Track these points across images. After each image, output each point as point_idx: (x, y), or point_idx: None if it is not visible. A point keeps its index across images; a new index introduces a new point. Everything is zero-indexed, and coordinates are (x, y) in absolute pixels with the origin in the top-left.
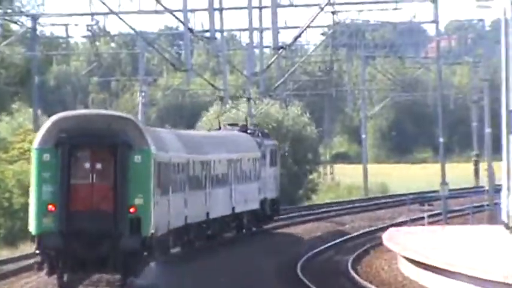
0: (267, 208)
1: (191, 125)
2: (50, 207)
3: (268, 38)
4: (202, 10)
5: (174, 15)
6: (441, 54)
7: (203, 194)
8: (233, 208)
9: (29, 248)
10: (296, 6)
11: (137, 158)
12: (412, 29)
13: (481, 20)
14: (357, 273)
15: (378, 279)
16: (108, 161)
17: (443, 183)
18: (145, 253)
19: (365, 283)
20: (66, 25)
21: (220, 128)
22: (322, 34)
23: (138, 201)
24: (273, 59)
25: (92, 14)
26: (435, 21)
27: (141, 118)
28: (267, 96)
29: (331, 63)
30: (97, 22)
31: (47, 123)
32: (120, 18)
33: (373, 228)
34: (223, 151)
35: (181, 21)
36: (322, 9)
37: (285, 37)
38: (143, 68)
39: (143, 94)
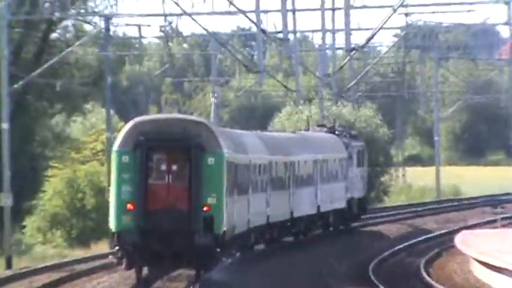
0: (354, 207)
1: (263, 126)
2: (129, 206)
3: (340, 40)
4: (275, 11)
5: (246, 16)
6: None
7: (286, 194)
8: (318, 207)
9: (101, 248)
10: (369, 7)
11: (210, 160)
12: (486, 30)
13: None
14: (429, 275)
15: (450, 282)
16: (183, 162)
17: None
18: (218, 249)
19: (437, 285)
20: (139, 25)
21: (308, 129)
22: (395, 36)
23: (211, 200)
24: (345, 61)
25: (165, 15)
26: (508, 23)
27: (214, 119)
28: (339, 97)
29: (404, 64)
30: (170, 23)
31: (126, 126)
32: (193, 19)
33: (445, 231)
34: (308, 152)
35: (253, 22)
36: (395, 10)
37: (358, 38)
38: (216, 69)
39: (215, 95)
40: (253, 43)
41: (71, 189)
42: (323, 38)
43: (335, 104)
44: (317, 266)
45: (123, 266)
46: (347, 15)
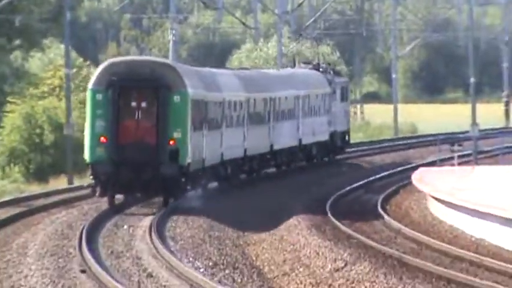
0: (337, 140)
1: (221, 64)
2: (102, 139)
3: None
4: None
5: None
6: None
7: (266, 128)
8: (300, 140)
9: (60, 183)
10: None
11: (176, 98)
12: None
13: None
14: (386, 212)
15: (407, 219)
16: (151, 101)
17: (474, 123)
18: (183, 179)
19: (394, 222)
20: None
21: (294, 66)
22: None
23: (176, 135)
24: None
25: None
26: None
27: (172, 56)
28: (298, 35)
29: (362, 2)
30: None
31: (100, 67)
32: None
33: (402, 168)
34: (289, 88)
35: None
36: None
37: None
38: (174, 6)
39: (174, 32)
40: None
41: (28, 125)
42: None
43: (294, 42)
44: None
45: (97, 193)
46: None
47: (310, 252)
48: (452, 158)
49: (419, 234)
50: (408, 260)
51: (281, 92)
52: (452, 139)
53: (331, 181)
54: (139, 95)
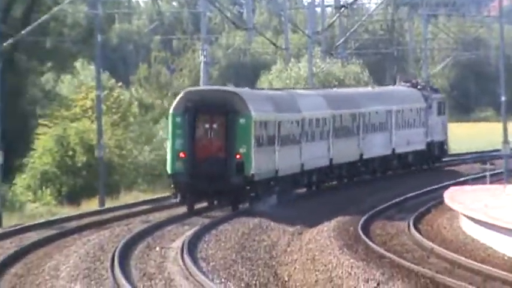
0: (434, 149)
1: (252, 84)
2: (181, 154)
3: None
4: None
5: None
6: (503, 12)
7: (355, 140)
8: (393, 149)
9: (92, 205)
10: None
11: (242, 121)
12: None
13: None
14: (418, 231)
15: (439, 238)
16: (221, 123)
17: (505, 141)
18: (248, 187)
19: (426, 241)
20: None
21: (395, 84)
22: None
23: (242, 150)
24: (334, 18)
25: None
26: None
27: (203, 77)
28: (328, 54)
29: (393, 22)
30: None
31: (179, 95)
32: None
33: (435, 187)
34: (381, 104)
35: None
36: None
37: None
38: (205, 27)
39: (205, 53)
40: (242, 0)
41: (60, 147)
42: None
43: (324, 61)
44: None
45: (178, 199)
46: None
47: (342, 273)
48: (484, 176)
49: (451, 253)
50: (441, 279)
51: (371, 107)
52: (484, 158)
53: (369, 198)
54: (211, 118)
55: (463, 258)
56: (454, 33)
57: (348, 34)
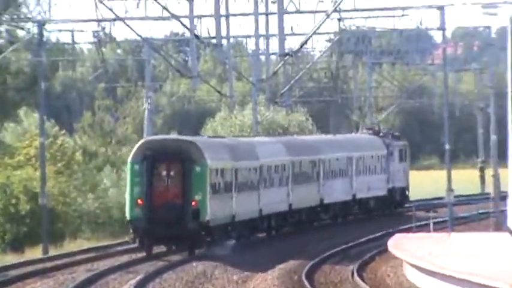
0: (396, 195)
1: (197, 131)
2: (139, 201)
3: (274, 45)
4: (208, 16)
5: (180, 22)
6: (447, 61)
7: (316, 185)
8: (354, 195)
9: (36, 253)
10: (302, 12)
11: (197, 169)
12: (419, 35)
13: (487, 27)
14: (362, 279)
15: (383, 286)
16: (178, 170)
17: (449, 189)
18: (203, 233)
19: None
20: (72, 31)
21: (357, 132)
22: (328, 41)
23: (197, 197)
24: (279, 66)
25: (98, 20)
26: (442, 28)
27: (147, 124)
28: (273, 102)
29: (337, 69)
30: (103, 28)
31: (138, 144)
32: (126, 25)
33: (378, 235)
34: (342, 151)
35: (187, 28)
36: (328, 15)
37: (292, 44)
38: (149, 74)
39: (149, 100)
40: (187, 48)
41: (4, 195)
42: (257, 43)
43: (269, 109)
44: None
45: (137, 244)
46: (280, 20)
47: None
48: (428, 224)
49: None
50: None
51: (331, 154)
52: (428, 205)
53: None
54: (168, 166)
55: None
56: (398, 81)
57: (292, 82)
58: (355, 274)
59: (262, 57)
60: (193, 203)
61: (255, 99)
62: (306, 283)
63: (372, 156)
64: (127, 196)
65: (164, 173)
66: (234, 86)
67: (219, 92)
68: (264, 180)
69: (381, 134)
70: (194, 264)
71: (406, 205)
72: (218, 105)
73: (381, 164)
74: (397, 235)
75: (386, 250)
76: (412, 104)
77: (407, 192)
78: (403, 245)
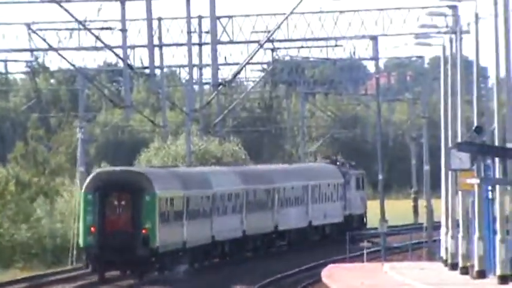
0: (352, 221)
1: (130, 161)
2: (92, 229)
3: (208, 74)
4: (141, 46)
5: (113, 52)
6: (380, 91)
7: (269, 213)
8: (310, 221)
9: None
10: (236, 42)
11: (147, 198)
12: (352, 65)
13: (420, 57)
14: None
15: None
16: (128, 200)
17: (383, 219)
18: (153, 259)
19: None
20: (5, 61)
21: (315, 161)
22: (262, 71)
23: (147, 225)
24: (212, 96)
25: (32, 50)
26: (375, 58)
27: (80, 154)
28: (206, 132)
29: (270, 99)
30: (36, 58)
31: (90, 176)
32: (60, 54)
33: (312, 265)
34: (296, 179)
35: (120, 58)
36: (261, 45)
37: (225, 74)
38: (82, 104)
39: (82, 130)
40: (120, 78)
41: None
42: (190, 73)
43: (202, 139)
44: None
45: (90, 269)
46: (214, 50)
47: None
48: (361, 254)
49: None
50: None
51: (286, 183)
52: (361, 236)
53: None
54: (119, 196)
55: None
56: (331, 111)
57: (225, 112)
58: None
59: (196, 87)
60: (143, 231)
61: (189, 129)
62: None
63: (329, 185)
64: (80, 224)
65: (116, 202)
66: (168, 115)
67: (152, 121)
68: (217, 208)
69: (338, 163)
70: None
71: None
72: (151, 135)
73: (338, 192)
74: (331, 265)
75: (319, 280)
76: (346, 134)
77: (364, 219)
78: (336, 275)
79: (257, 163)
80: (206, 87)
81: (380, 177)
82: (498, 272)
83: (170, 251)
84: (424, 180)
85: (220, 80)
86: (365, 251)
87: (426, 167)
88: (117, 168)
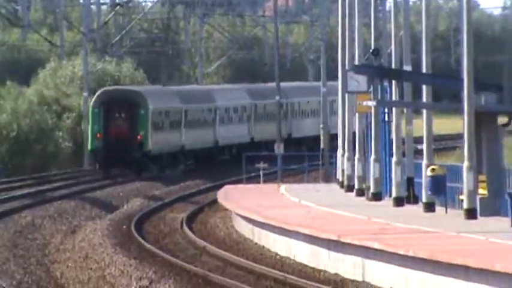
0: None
1: (27, 81)
2: (98, 135)
3: None
4: None
5: None
6: (278, 13)
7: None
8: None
9: None
10: None
11: (141, 111)
12: None
13: None
14: (191, 230)
15: (212, 237)
16: (127, 113)
17: (279, 141)
18: (146, 160)
19: (199, 240)
20: None
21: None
22: None
23: (142, 132)
24: (110, 16)
25: None
26: None
27: None
28: (103, 52)
29: (168, 20)
30: None
31: (97, 93)
32: None
33: (208, 186)
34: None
35: None
36: None
37: None
38: None
39: None
40: None
41: None
42: None
43: (100, 60)
44: None
45: (97, 167)
46: None
47: (115, 271)
48: (258, 175)
49: (224, 252)
50: (213, 278)
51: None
52: (257, 157)
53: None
54: (119, 109)
55: (236, 257)
56: (229, 32)
57: (123, 32)
58: (184, 225)
59: (93, 7)
60: (138, 137)
61: (86, 50)
62: (135, 233)
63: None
64: (89, 132)
65: (116, 114)
66: (65, 35)
67: (49, 41)
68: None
69: None
70: (23, 214)
71: None
72: (49, 56)
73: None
74: (227, 186)
75: (216, 201)
76: (243, 55)
77: None
78: (233, 196)
79: (154, 84)
80: (104, 7)
81: (277, 98)
82: (394, 194)
83: (166, 153)
84: (321, 102)
85: (117, 1)
86: (261, 172)
87: (324, 89)
88: (119, 87)
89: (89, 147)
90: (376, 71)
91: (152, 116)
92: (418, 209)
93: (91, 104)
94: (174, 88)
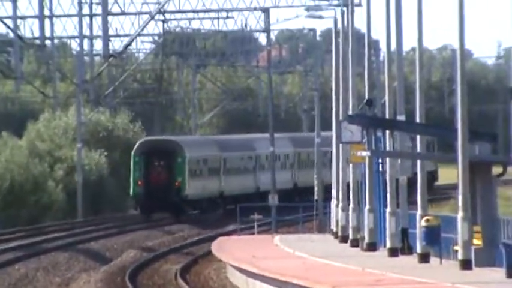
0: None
1: (20, 133)
2: (139, 182)
3: (99, 46)
4: (32, 17)
5: (3, 22)
6: (272, 63)
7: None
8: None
9: None
10: (127, 14)
11: (179, 159)
12: (244, 37)
13: (311, 29)
14: (186, 282)
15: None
16: (165, 161)
17: (273, 192)
18: (183, 205)
19: None
20: None
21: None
22: (153, 42)
23: (179, 179)
24: (103, 67)
25: None
26: (266, 30)
27: None
28: (97, 104)
29: (162, 71)
30: None
31: (138, 143)
32: None
33: (202, 237)
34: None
35: (10, 29)
36: (152, 17)
37: (116, 45)
38: None
39: None
40: (10, 49)
41: None
42: (80, 44)
43: (93, 111)
44: None
45: (139, 211)
46: (105, 21)
47: None
48: (252, 227)
49: None
50: None
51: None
52: (252, 208)
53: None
54: (159, 158)
55: None
56: (222, 83)
57: (116, 83)
58: (178, 276)
59: (87, 58)
60: (176, 184)
61: (79, 100)
62: (130, 286)
63: None
64: (131, 179)
65: (156, 163)
66: (58, 87)
67: (42, 93)
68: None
69: None
70: (17, 266)
71: None
72: (42, 107)
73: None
74: (221, 238)
75: (210, 253)
76: (237, 106)
77: None
78: (227, 247)
79: (149, 135)
80: (97, 58)
81: (271, 149)
82: (388, 244)
83: (204, 198)
84: (315, 152)
85: (111, 52)
86: (255, 223)
87: (317, 140)
88: (158, 138)
89: (131, 193)
90: (370, 121)
91: (189, 164)
92: (412, 259)
93: (132, 152)
94: (213, 138)
